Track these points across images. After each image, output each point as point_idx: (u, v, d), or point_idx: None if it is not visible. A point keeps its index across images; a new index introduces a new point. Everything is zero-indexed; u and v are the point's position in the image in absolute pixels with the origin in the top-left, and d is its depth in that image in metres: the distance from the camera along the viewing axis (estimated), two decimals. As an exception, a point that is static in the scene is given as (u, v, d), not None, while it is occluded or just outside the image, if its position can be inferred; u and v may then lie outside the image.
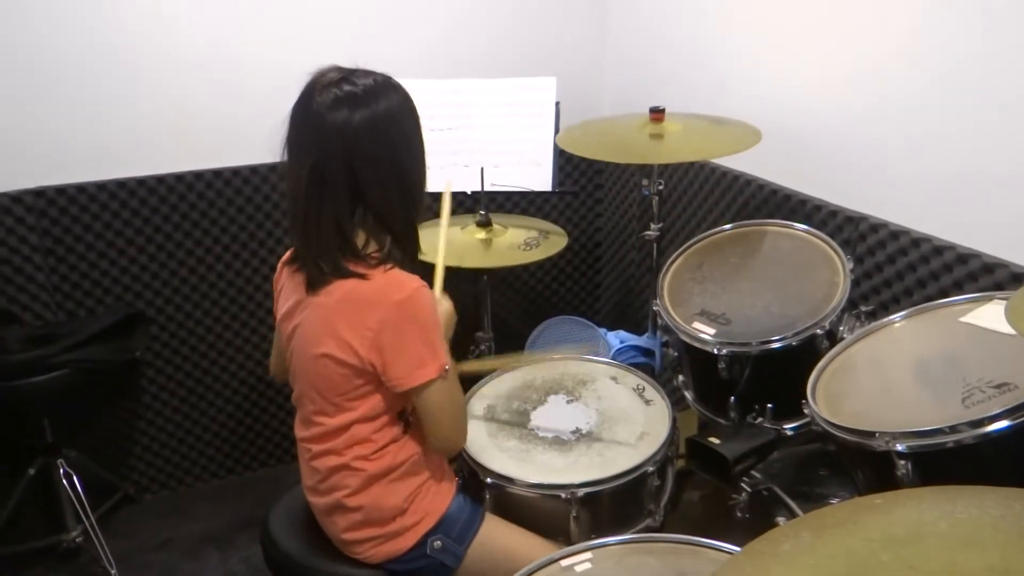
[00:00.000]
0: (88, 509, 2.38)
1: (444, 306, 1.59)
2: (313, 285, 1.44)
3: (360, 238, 1.44)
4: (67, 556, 2.47)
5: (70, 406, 2.51)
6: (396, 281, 1.42)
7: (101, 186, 2.46)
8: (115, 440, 2.69)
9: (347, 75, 1.41)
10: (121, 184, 2.48)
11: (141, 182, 2.50)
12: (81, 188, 2.44)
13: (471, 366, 1.84)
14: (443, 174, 2.36)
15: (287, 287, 1.54)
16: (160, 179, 2.52)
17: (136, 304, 2.59)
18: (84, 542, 2.45)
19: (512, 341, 2.51)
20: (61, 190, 2.42)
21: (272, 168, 2.63)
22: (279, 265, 1.59)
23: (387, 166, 1.41)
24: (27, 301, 2.46)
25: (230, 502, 2.79)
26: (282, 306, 1.55)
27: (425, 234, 1.56)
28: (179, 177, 2.54)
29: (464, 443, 1.59)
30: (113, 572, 2.35)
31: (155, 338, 2.64)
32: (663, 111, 2.05)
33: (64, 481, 2.38)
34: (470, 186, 2.36)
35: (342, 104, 1.37)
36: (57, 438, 2.43)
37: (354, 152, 1.38)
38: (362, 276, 1.41)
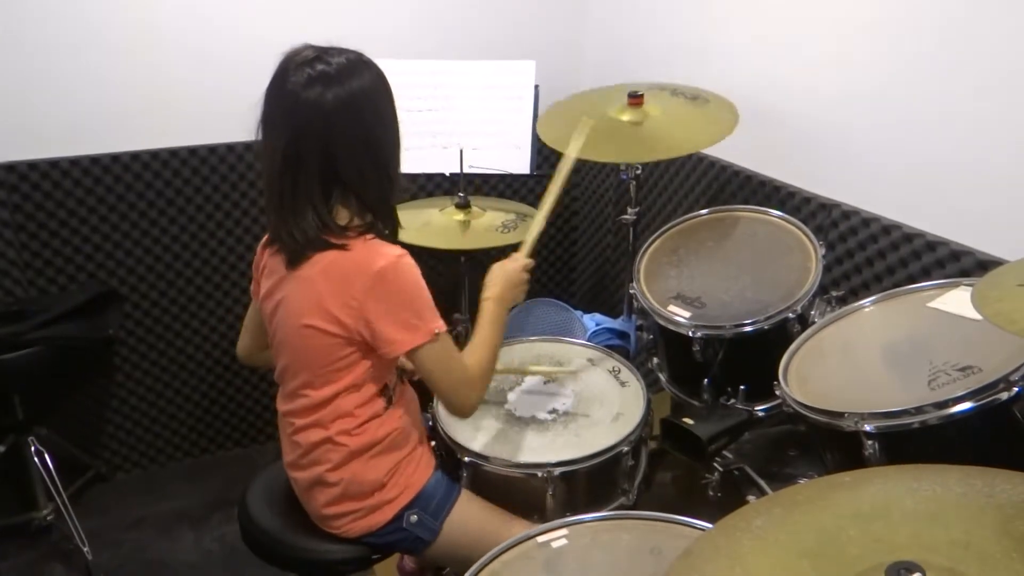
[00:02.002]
0: (60, 487, 2.36)
1: (518, 263, 1.66)
2: (294, 261, 1.45)
3: (343, 215, 1.45)
4: (38, 533, 2.46)
5: (42, 383, 2.49)
6: (376, 250, 1.43)
7: (74, 161, 2.43)
8: (87, 418, 2.68)
9: (320, 53, 1.41)
10: (95, 160, 2.45)
11: (115, 158, 2.47)
12: (54, 163, 2.41)
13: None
14: (422, 156, 2.37)
15: (268, 267, 1.54)
16: (135, 156, 2.49)
17: (109, 282, 2.56)
18: (56, 520, 2.44)
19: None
20: (33, 165, 2.39)
21: (248, 147, 2.61)
22: (259, 247, 1.59)
23: (361, 144, 1.42)
24: (-3, 277, 2.43)
25: (203, 481, 2.79)
26: (264, 285, 1.56)
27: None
28: (154, 154, 2.51)
29: (473, 405, 1.54)
30: (86, 550, 2.34)
31: (128, 316, 2.62)
32: (641, 96, 2.06)
33: (35, 459, 2.37)
34: (449, 168, 2.36)
35: (316, 83, 1.37)
36: (28, 415, 2.41)
37: (328, 130, 1.38)
38: (342, 247, 1.42)
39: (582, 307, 2.55)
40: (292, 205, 1.41)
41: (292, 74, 1.38)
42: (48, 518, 2.44)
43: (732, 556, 0.93)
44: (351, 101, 1.39)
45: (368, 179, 1.45)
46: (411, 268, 1.44)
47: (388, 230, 1.51)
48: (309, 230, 1.41)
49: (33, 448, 2.37)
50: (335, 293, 1.42)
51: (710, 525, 1.22)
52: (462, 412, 1.55)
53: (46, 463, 2.37)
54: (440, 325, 1.46)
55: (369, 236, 1.45)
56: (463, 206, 2.32)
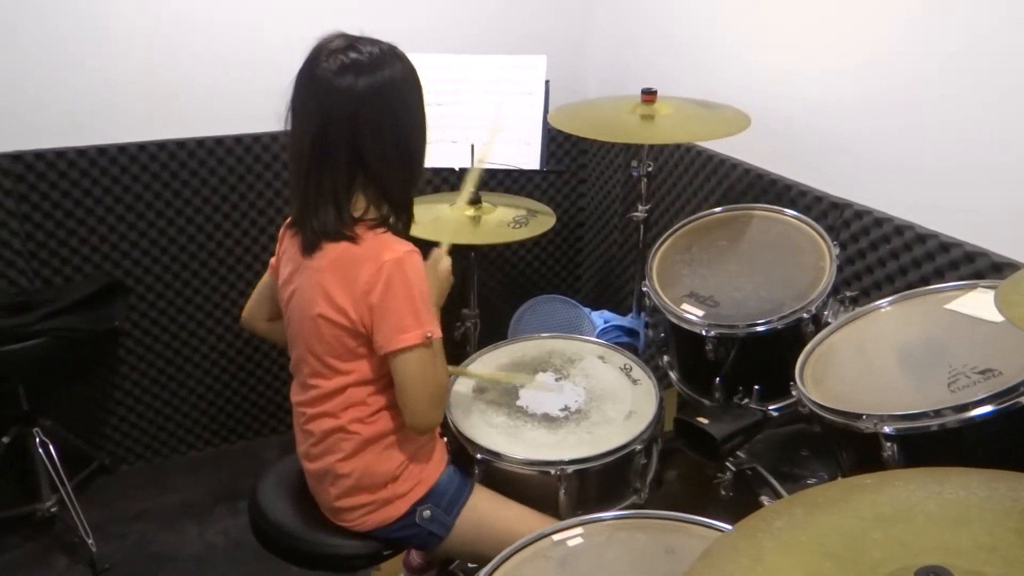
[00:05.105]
0: (64, 478, 2.36)
1: (444, 263, 1.59)
2: (308, 248, 1.46)
3: (360, 204, 1.45)
4: (42, 525, 2.46)
5: (47, 375, 2.49)
6: (386, 244, 1.43)
7: (81, 152, 2.42)
8: (91, 410, 2.67)
9: (353, 42, 1.41)
10: (102, 151, 2.44)
11: (122, 149, 2.46)
12: (60, 153, 2.40)
13: (457, 371, 1.81)
14: (431, 150, 2.35)
15: (288, 252, 1.55)
16: (142, 147, 2.48)
17: (115, 273, 2.55)
18: (59, 511, 2.43)
19: (497, 319, 2.52)
20: (40, 155, 2.38)
21: (256, 139, 2.60)
22: (282, 229, 1.59)
23: (388, 135, 1.42)
24: (2, 268, 2.42)
25: (207, 474, 2.78)
26: (282, 272, 1.57)
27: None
28: (161, 145, 2.50)
29: (438, 422, 1.52)
30: (90, 542, 2.34)
31: (134, 308, 2.61)
32: (655, 93, 2.06)
33: (40, 450, 2.36)
34: (460, 163, 2.35)
35: (347, 71, 1.38)
36: (33, 407, 2.40)
37: (357, 119, 1.38)
38: (353, 239, 1.43)
39: (588, 304, 2.54)
40: (317, 191, 1.42)
41: (324, 60, 1.39)
42: (52, 510, 2.43)
43: (753, 557, 0.93)
44: (381, 91, 1.39)
45: (392, 170, 1.45)
46: (417, 265, 1.44)
47: (402, 223, 1.50)
48: (327, 221, 1.42)
49: (38, 439, 2.36)
50: (342, 284, 1.42)
51: (728, 526, 1.21)
52: (422, 428, 1.50)
53: (50, 454, 2.36)
54: (435, 330, 1.44)
55: (381, 230, 1.45)
56: (474, 201, 2.31)
